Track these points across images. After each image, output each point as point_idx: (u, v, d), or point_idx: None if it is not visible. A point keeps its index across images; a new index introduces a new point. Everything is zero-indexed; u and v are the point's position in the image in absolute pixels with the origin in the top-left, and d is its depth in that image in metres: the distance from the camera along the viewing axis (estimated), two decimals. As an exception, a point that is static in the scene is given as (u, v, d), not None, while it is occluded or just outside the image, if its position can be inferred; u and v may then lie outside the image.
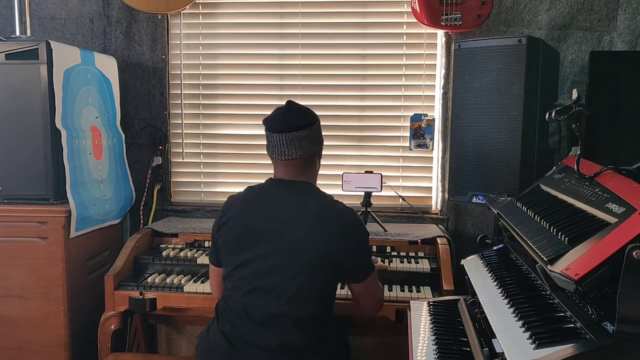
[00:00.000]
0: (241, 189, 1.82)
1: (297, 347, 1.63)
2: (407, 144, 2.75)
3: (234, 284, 1.69)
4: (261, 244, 1.66)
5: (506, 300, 1.39)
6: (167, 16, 2.80)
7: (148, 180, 2.83)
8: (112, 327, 2.20)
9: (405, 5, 2.69)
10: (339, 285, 2.08)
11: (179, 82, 2.86)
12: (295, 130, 1.68)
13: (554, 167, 1.84)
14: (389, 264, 2.22)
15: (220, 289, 1.84)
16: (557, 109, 1.66)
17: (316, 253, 1.63)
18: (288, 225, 1.65)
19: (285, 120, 1.70)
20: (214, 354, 1.69)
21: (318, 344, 1.67)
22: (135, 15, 2.79)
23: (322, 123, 2.75)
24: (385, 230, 2.47)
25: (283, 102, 2.83)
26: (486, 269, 1.70)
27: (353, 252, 1.69)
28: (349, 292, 2.06)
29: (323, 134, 2.76)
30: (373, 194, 2.57)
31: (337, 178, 2.67)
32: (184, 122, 2.88)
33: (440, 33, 2.68)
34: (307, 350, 1.64)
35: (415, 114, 2.73)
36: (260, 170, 2.84)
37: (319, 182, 2.78)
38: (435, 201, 2.79)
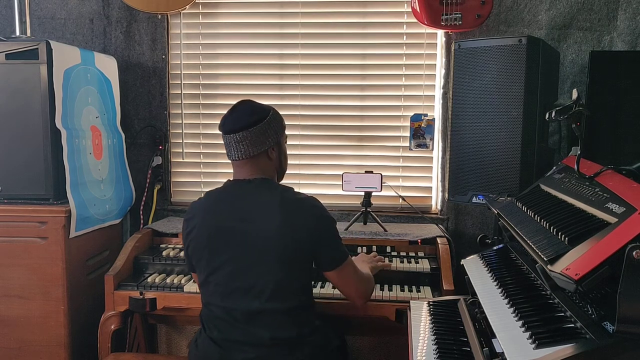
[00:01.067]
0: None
1: (288, 339, 1.65)
2: (407, 144, 2.75)
3: (212, 289, 1.70)
4: (230, 245, 1.67)
5: (506, 300, 1.39)
6: (167, 16, 2.80)
7: (148, 180, 2.83)
8: (112, 327, 2.20)
9: (405, 5, 2.69)
10: (332, 287, 2.09)
11: (179, 82, 2.86)
12: (232, 132, 1.70)
13: (554, 167, 1.84)
14: (389, 264, 2.22)
15: None
16: (557, 109, 1.66)
17: (286, 246, 1.64)
18: (253, 223, 1.66)
19: (225, 123, 1.74)
20: None
21: (308, 335, 1.69)
22: (135, 15, 2.79)
23: (322, 123, 2.81)
24: (385, 230, 2.47)
25: (283, 102, 2.85)
26: (486, 269, 1.70)
27: (322, 240, 1.69)
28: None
29: (323, 133, 2.81)
30: (373, 194, 2.56)
31: (337, 178, 2.67)
32: (184, 122, 2.88)
33: (440, 33, 2.68)
34: (297, 341, 1.66)
35: (415, 114, 2.73)
36: (260, 170, 2.84)
37: (321, 181, 2.83)
38: (435, 201, 2.79)
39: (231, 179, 1.80)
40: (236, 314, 1.66)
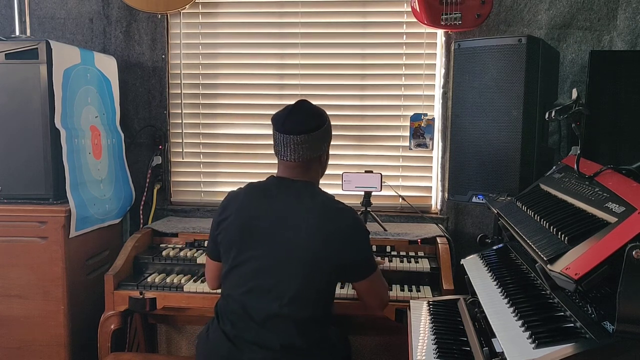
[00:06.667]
0: (241, 189, 1.82)
1: (299, 348, 1.63)
2: (407, 144, 2.75)
3: (235, 282, 1.69)
4: (260, 243, 1.66)
5: (506, 300, 1.39)
6: (167, 16, 2.80)
7: (148, 180, 2.83)
8: (112, 326, 2.20)
9: (405, 5, 2.69)
10: (338, 285, 2.09)
11: (179, 82, 2.85)
12: (293, 133, 1.66)
13: (554, 167, 1.84)
14: (389, 264, 2.22)
15: (215, 280, 1.85)
16: (557, 108, 1.66)
17: (316, 254, 1.62)
18: (288, 226, 1.64)
19: (286, 122, 1.68)
20: (215, 353, 1.68)
21: (319, 345, 1.67)
22: (135, 14, 2.79)
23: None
24: (385, 230, 2.47)
25: (283, 102, 2.82)
26: (486, 268, 1.70)
27: (354, 252, 1.68)
28: (349, 292, 2.07)
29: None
30: (373, 193, 2.57)
31: (337, 178, 2.67)
32: (184, 122, 2.88)
33: (440, 33, 2.68)
34: (308, 351, 1.64)
35: (415, 114, 2.73)
36: (260, 169, 2.84)
37: (320, 180, 2.81)
38: (435, 201, 2.79)
39: (275, 174, 1.77)
40: (253, 313, 1.64)
